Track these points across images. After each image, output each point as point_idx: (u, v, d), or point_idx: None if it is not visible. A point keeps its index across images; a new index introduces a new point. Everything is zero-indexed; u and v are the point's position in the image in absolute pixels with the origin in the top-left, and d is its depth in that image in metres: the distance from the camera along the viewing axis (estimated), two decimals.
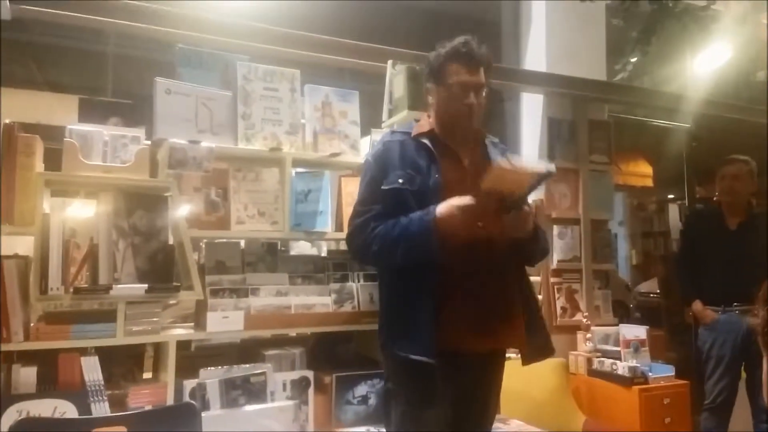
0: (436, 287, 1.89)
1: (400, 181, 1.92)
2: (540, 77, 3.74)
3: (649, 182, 6.49)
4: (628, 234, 6.38)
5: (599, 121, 3.96)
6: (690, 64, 4.70)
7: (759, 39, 4.40)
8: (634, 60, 4.26)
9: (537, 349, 2.05)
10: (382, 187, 1.94)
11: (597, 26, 4.06)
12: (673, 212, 6.35)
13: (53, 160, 2.18)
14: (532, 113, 3.95)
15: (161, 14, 2.67)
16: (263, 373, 2.27)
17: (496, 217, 1.82)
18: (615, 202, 4.85)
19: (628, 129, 4.93)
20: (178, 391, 2.14)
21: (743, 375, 3.43)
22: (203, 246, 2.54)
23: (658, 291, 5.42)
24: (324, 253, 3.03)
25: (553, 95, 3.82)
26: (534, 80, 3.75)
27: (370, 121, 2.80)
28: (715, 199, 3.70)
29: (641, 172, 6.40)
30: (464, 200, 1.81)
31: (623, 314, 4.22)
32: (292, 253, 3.04)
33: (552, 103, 3.84)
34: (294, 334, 2.63)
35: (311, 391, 2.40)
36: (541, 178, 1.80)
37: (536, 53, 3.97)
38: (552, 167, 1.79)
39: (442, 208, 1.83)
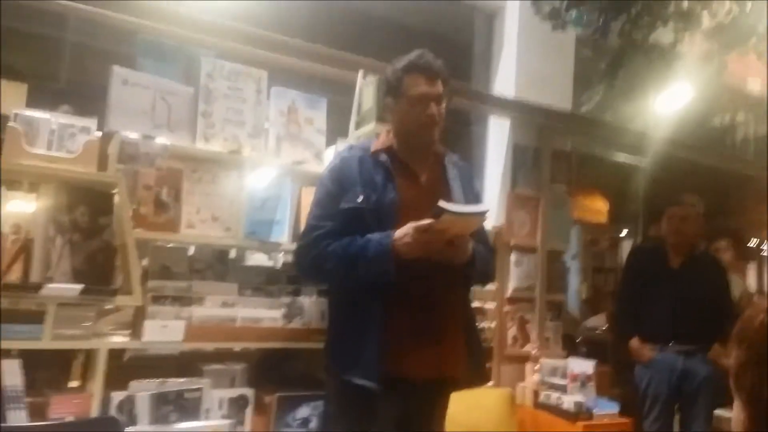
0: (383, 310, 1.86)
1: (359, 200, 1.90)
2: (507, 103, 3.74)
3: (603, 218, 6.57)
4: (580, 268, 6.41)
5: (562, 152, 3.96)
6: (652, 103, 4.78)
7: (718, 83, 4.50)
8: (599, 95, 4.31)
9: (472, 376, 2.05)
10: (341, 206, 1.91)
11: (567, 55, 4.09)
12: (626, 250, 6.43)
13: None
14: (498, 138, 3.93)
15: (125, 2, 2.52)
16: (199, 389, 2.13)
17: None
18: (570, 236, 4.86)
19: (587, 163, 4.99)
20: (105, 403, 1.98)
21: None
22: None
23: (605, 326, 5.46)
24: (279, 265, 2.91)
25: (520, 121, 3.81)
26: (502, 105, 3.74)
27: (336, 132, 2.71)
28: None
29: (596, 208, 6.46)
30: (422, 225, 1.79)
31: (570, 347, 4.19)
32: (248, 263, 2.91)
33: (518, 129, 3.83)
34: (238, 349, 2.49)
35: (249, 410, 2.27)
36: (481, 220, 1.97)
37: (506, 77, 3.97)
38: (487, 209, 1.98)
39: (400, 232, 1.82)
